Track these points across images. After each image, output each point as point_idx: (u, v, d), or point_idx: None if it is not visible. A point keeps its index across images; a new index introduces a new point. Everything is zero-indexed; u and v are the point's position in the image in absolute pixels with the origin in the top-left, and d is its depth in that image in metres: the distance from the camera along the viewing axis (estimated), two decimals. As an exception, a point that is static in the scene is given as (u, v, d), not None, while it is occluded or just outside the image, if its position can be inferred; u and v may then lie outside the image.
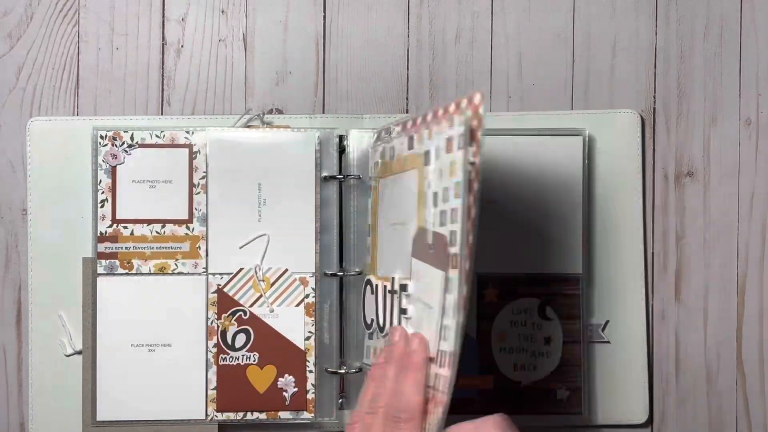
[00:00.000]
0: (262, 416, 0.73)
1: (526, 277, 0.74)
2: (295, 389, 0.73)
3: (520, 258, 0.74)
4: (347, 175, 0.75)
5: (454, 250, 0.54)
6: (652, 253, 0.78)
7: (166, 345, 0.73)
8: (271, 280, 0.73)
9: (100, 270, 0.72)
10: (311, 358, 0.73)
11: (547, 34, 0.78)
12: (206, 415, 0.72)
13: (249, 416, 0.72)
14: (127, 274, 0.72)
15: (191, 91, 0.78)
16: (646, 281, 0.77)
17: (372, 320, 0.68)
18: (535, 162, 0.75)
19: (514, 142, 0.75)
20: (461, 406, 0.72)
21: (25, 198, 0.75)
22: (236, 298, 0.73)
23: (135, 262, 0.72)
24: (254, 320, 0.73)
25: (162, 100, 0.78)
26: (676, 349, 0.77)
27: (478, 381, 0.74)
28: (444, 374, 0.56)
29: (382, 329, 0.66)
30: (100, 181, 0.72)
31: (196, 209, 0.73)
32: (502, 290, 0.74)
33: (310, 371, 0.73)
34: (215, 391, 0.72)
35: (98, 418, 0.72)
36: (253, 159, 0.73)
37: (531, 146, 0.75)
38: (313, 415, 0.73)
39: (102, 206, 0.72)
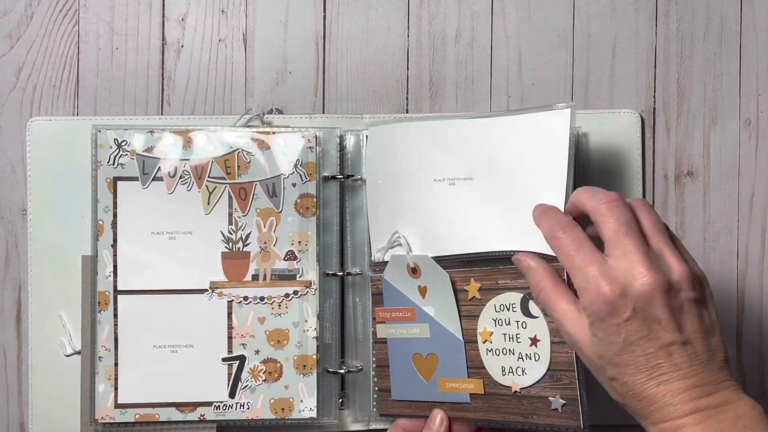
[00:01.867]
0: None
1: (506, 268, 0.68)
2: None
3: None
4: (348, 175, 0.75)
5: None
6: (652, 253, 0.78)
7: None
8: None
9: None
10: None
11: (547, 34, 0.79)
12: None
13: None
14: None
15: (191, 91, 0.78)
16: (646, 281, 0.77)
17: None
18: (524, 145, 0.68)
19: (501, 127, 0.69)
20: (456, 411, 0.71)
21: (25, 198, 0.75)
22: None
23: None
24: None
25: (162, 100, 0.78)
26: (676, 349, 0.77)
27: (468, 385, 0.70)
28: None
29: None
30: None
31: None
32: (483, 285, 0.68)
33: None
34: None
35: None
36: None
37: (520, 136, 0.68)
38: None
39: None
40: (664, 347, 0.54)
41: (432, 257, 0.70)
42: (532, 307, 0.67)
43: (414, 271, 0.71)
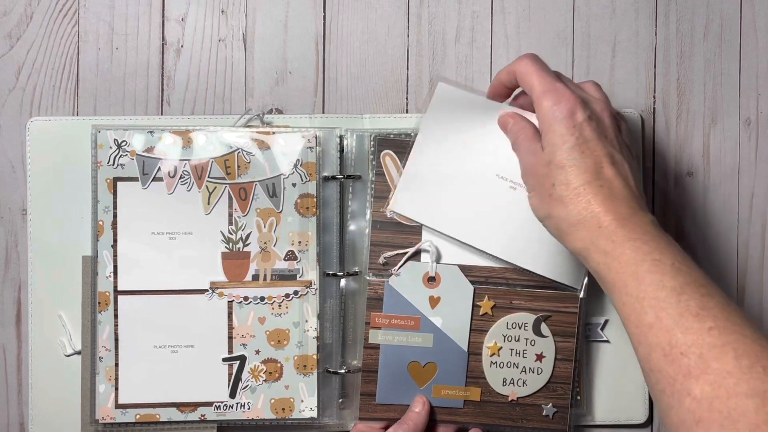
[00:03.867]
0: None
1: (523, 290, 0.72)
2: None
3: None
4: (347, 175, 0.75)
5: None
6: (652, 252, 0.78)
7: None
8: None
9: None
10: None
11: (547, 34, 0.79)
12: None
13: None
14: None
15: (191, 91, 0.78)
16: (646, 281, 0.77)
17: None
18: None
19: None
20: (446, 415, 0.72)
21: (25, 198, 0.75)
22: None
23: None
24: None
25: (162, 100, 0.78)
26: (676, 349, 0.78)
27: (464, 392, 0.73)
28: None
29: None
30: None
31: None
32: (498, 303, 0.72)
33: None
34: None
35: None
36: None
37: None
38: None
39: None
40: (609, 155, 0.60)
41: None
42: (544, 328, 0.72)
43: (430, 280, 0.72)
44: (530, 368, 0.72)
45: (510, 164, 0.69)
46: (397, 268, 0.73)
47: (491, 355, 0.72)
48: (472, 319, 0.72)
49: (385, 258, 0.73)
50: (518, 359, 0.72)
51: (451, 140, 0.71)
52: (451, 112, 0.71)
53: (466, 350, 0.72)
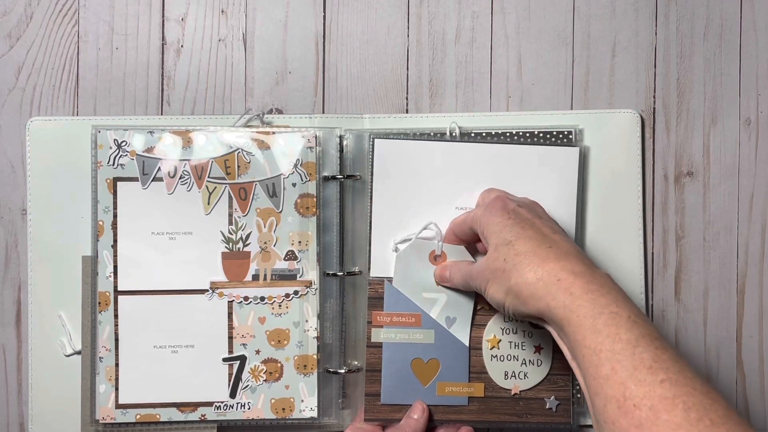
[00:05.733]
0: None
1: None
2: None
3: None
4: (347, 175, 0.75)
5: None
6: (652, 252, 0.78)
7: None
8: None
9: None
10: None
11: (547, 34, 0.79)
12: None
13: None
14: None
15: (191, 91, 0.78)
16: (646, 281, 0.77)
17: None
18: (529, 161, 0.74)
19: (507, 146, 0.74)
20: (452, 414, 0.72)
21: (25, 198, 0.75)
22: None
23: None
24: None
25: (162, 100, 0.78)
26: (676, 349, 0.78)
27: (468, 388, 0.73)
28: None
29: None
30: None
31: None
32: None
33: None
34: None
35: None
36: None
37: (526, 148, 0.74)
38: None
39: None
40: (549, 227, 0.64)
41: None
42: None
43: (437, 258, 0.73)
44: (530, 360, 0.73)
45: (466, 194, 0.73)
46: (403, 245, 0.73)
47: (491, 348, 0.73)
48: (477, 297, 0.73)
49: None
50: (517, 351, 0.73)
51: (405, 188, 0.74)
52: (395, 163, 0.74)
53: (468, 344, 0.73)
